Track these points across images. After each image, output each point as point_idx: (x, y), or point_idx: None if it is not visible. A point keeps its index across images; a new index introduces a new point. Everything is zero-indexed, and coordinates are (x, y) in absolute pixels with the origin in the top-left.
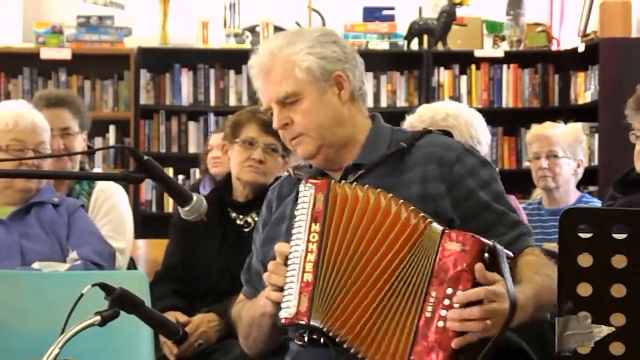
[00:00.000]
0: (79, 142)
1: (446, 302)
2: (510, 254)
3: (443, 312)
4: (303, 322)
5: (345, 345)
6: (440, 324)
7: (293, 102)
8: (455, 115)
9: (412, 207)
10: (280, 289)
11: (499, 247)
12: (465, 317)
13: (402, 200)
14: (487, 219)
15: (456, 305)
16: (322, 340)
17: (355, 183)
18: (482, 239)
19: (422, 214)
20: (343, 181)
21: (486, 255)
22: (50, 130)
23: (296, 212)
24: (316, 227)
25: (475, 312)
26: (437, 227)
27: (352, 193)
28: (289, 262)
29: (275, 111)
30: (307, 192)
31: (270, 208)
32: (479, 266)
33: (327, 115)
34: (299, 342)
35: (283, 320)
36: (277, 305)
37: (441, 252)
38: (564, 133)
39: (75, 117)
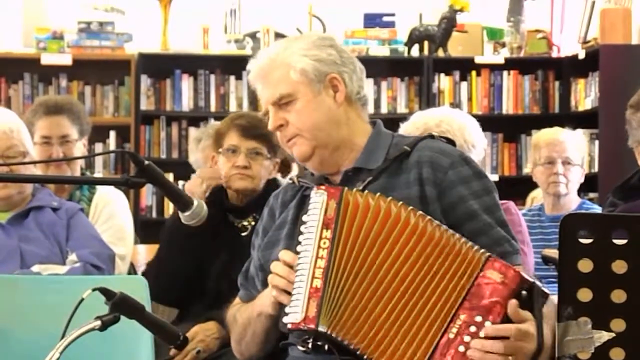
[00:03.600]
0: (78, 149)
1: (472, 328)
2: (547, 291)
3: (467, 338)
4: (311, 328)
5: (358, 352)
6: (461, 348)
7: (287, 103)
8: (449, 120)
9: (437, 222)
10: (285, 292)
11: (538, 285)
12: (488, 349)
13: (420, 212)
14: (472, 228)
15: (482, 335)
16: (326, 347)
17: (367, 191)
18: (525, 275)
19: (445, 228)
20: (355, 189)
21: (524, 292)
22: (50, 138)
23: (306, 218)
24: (327, 234)
25: (500, 347)
26: (484, 252)
27: (363, 201)
28: (298, 267)
29: (271, 113)
30: (318, 198)
31: (273, 215)
32: (512, 302)
33: (321, 116)
34: (303, 348)
35: (290, 325)
36: (277, 306)
37: (481, 277)
38: (575, 139)
39: (74, 123)
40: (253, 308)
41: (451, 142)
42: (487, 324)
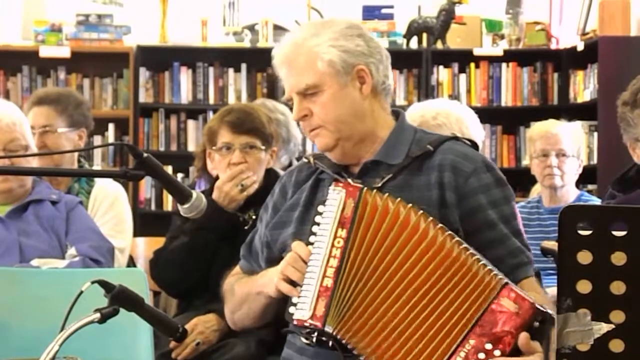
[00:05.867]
0: (67, 140)
1: (481, 355)
2: (555, 316)
3: None
4: (317, 327)
5: (361, 357)
6: None
7: (313, 93)
8: (445, 113)
9: (457, 238)
10: (292, 283)
11: (550, 314)
12: None
13: (440, 225)
14: (489, 237)
15: None
16: (330, 343)
17: (387, 194)
18: (539, 306)
19: (464, 245)
20: (375, 189)
21: (536, 324)
22: (32, 127)
23: (323, 213)
24: (342, 233)
25: None
26: (502, 276)
27: (382, 204)
28: (310, 262)
29: (296, 102)
30: (336, 195)
31: (285, 193)
32: (524, 335)
33: (347, 108)
34: (306, 341)
35: (296, 322)
36: (279, 294)
37: (495, 304)
38: (570, 131)
39: (62, 114)
40: (253, 285)
41: (474, 144)
42: (497, 352)
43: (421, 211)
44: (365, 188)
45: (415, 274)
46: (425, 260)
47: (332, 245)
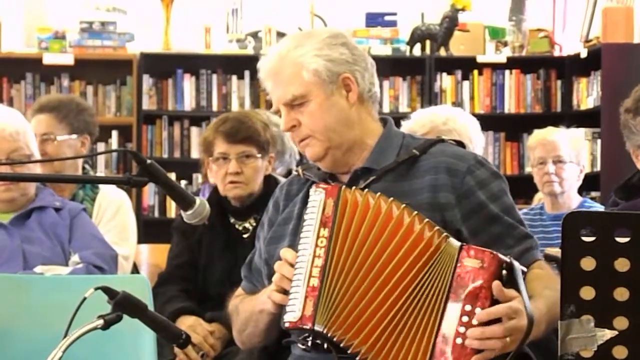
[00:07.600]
0: (66, 148)
1: (465, 319)
2: (524, 269)
3: (461, 329)
4: (307, 327)
5: (349, 351)
6: (459, 340)
7: (300, 104)
8: (454, 119)
9: (427, 219)
10: (285, 292)
11: (515, 263)
12: (486, 335)
13: (416, 212)
14: (495, 231)
15: (475, 323)
16: (325, 345)
17: (366, 190)
18: (500, 255)
19: (437, 227)
20: (354, 187)
21: (504, 272)
22: (35, 135)
23: (305, 216)
24: (324, 233)
25: (496, 330)
26: (455, 242)
27: (362, 200)
28: (296, 265)
29: (283, 113)
30: (317, 196)
31: (278, 207)
32: (496, 283)
33: (334, 117)
34: (302, 347)
35: (287, 324)
36: (278, 305)
37: (459, 267)
38: (568, 138)
39: (62, 122)
40: (255, 303)
41: (461, 144)
42: (478, 310)
43: (403, 205)
44: (344, 186)
45: (397, 262)
46: (405, 249)
47: (316, 245)
